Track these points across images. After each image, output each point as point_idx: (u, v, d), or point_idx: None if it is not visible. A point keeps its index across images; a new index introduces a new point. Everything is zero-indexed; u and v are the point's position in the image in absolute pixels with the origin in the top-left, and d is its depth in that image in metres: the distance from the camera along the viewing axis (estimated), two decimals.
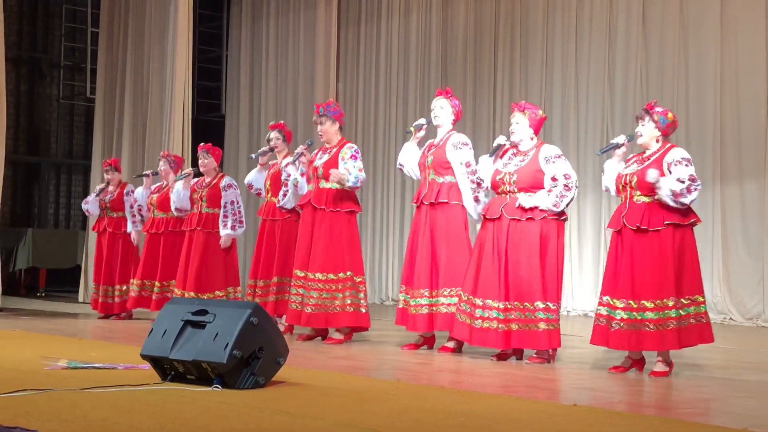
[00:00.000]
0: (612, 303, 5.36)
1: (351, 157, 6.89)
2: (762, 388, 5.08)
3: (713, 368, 5.84)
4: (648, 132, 5.44)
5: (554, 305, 5.76)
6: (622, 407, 4.25)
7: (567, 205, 5.81)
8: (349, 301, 6.83)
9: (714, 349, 6.28)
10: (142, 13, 12.55)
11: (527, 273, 5.76)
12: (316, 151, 7.16)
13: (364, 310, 6.90)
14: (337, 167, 6.86)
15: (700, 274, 5.43)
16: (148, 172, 9.10)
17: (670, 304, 5.24)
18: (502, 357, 5.98)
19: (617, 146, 5.58)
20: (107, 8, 13.11)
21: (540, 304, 5.73)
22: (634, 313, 5.26)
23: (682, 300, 5.28)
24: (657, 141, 5.46)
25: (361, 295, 6.90)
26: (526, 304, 5.75)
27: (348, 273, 6.85)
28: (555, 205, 5.76)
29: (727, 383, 5.23)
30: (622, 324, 5.28)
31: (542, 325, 5.72)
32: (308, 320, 6.87)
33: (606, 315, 5.38)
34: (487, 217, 5.97)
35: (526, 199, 5.80)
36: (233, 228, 8.00)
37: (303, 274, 6.91)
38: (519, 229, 5.81)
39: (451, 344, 6.45)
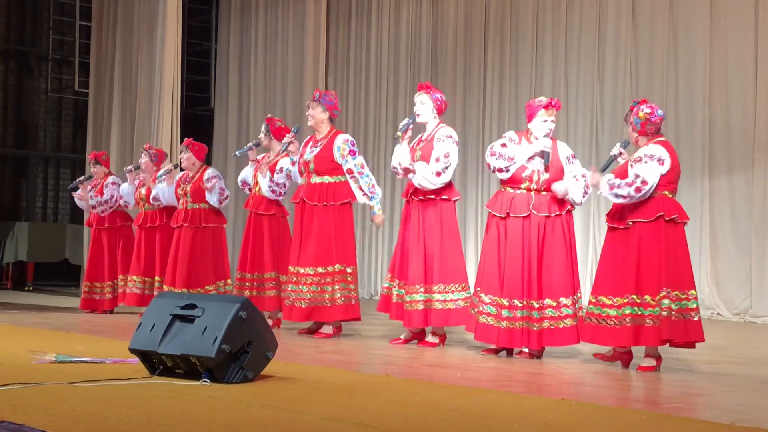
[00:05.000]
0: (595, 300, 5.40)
1: (350, 153, 6.85)
2: (749, 383, 5.10)
3: (700, 363, 5.86)
4: (630, 136, 5.50)
5: (575, 299, 5.77)
6: (610, 402, 4.27)
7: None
8: (338, 294, 6.80)
9: (701, 345, 6.28)
10: (132, 6, 12.51)
11: (561, 269, 5.77)
12: (305, 142, 7.09)
13: (354, 302, 6.87)
14: (329, 160, 6.82)
15: (685, 270, 5.42)
16: (129, 167, 9.00)
17: (625, 300, 5.27)
18: (492, 352, 5.97)
19: (616, 157, 5.55)
20: (98, 1, 13.08)
21: (567, 300, 5.74)
22: (601, 309, 5.33)
23: (648, 297, 5.27)
24: (637, 142, 5.47)
25: (352, 286, 6.87)
26: (561, 299, 5.74)
27: (338, 266, 6.82)
28: (579, 202, 5.83)
29: (714, 378, 5.25)
30: (593, 320, 5.36)
31: (569, 321, 5.73)
32: (301, 315, 6.86)
33: (592, 312, 5.42)
34: (512, 214, 5.83)
35: (559, 187, 5.76)
36: (220, 202, 8.00)
37: (295, 270, 6.90)
38: (551, 226, 5.80)
39: (433, 339, 6.45)
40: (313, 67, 12.89)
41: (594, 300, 5.41)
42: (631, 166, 5.31)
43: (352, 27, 13.02)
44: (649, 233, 5.28)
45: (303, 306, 6.81)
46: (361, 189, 6.89)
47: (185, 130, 11.58)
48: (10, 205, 14.86)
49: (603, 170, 5.59)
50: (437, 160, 6.32)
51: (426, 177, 6.31)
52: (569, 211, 5.88)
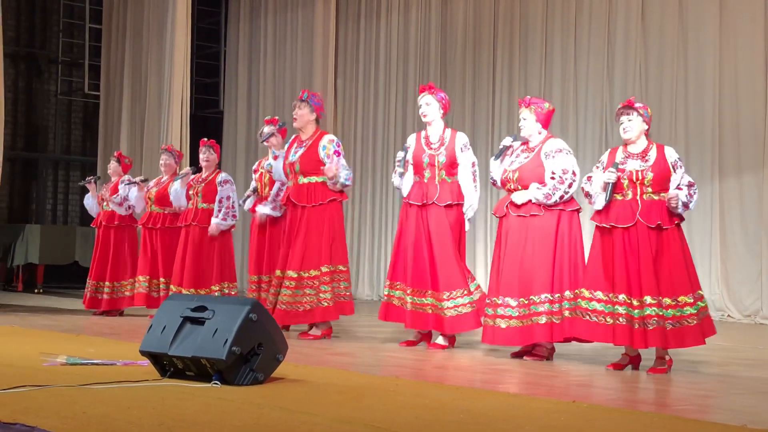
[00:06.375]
0: (630, 302, 5.28)
1: (335, 153, 6.79)
2: (760, 385, 5.09)
3: (711, 365, 5.84)
4: (637, 126, 5.42)
5: (562, 296, 5.73)
6: (621, 404, 4.26)
7: (562, 198, 5.77)
8: (329, 296, 6.73)
9: (712, 347, 6.27)
10: (141, 9, 12.56)
11: (535, 268, 5.75)
12: (290, 143, 7.03)
13: (344, 299, 6.82)
14: (315, 161, 6.75)
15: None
16: (136, 180, 8.99)
17: (690, 300, 5.27)
18: (518, 355, 5.96)
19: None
20: (108, 4, 13.14)
21: (543, 297, 5.72)
22: (671, 310, 5.24)
23: (695, 295, 5.31)
24: (646, 134, 5.45)
25: (343, 284, 6.84)
26: (532, 297, 5.74)
27: (329, 267, 6.76)
28: (546, 197, 5.76)
29: (725, 380, 5.23)
30: (656, 321, 5.21)
31: (543, 319, 5.71)
32: (306, 317, 6.80)
33: (624, 314, 5.30)
34: (496, 215, 6.04)
35: (517, 196, 5.84)
36: (224, 219, 7.98)
37: (283, 274, 6.82)
38: (525, 224, 5.81)
39: (442, 341, 6.44)
40: (322, 69, 12.90)
41: (622, 299, 5.30)
42: (675, 169, 5.33)
43: (361, 28, 13.02)
44: (675, 236, 5.32)
45: (307, 309, 6.75)
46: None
47: (194, 133, 11.61)
48: (20, 207, 14.90)
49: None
50: (472, 166, 6.46)
51: (475, 203, 6.50)
52: (562, 211, 5.81)
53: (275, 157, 7.10)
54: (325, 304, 6.75)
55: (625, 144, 5.47)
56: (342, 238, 6.92)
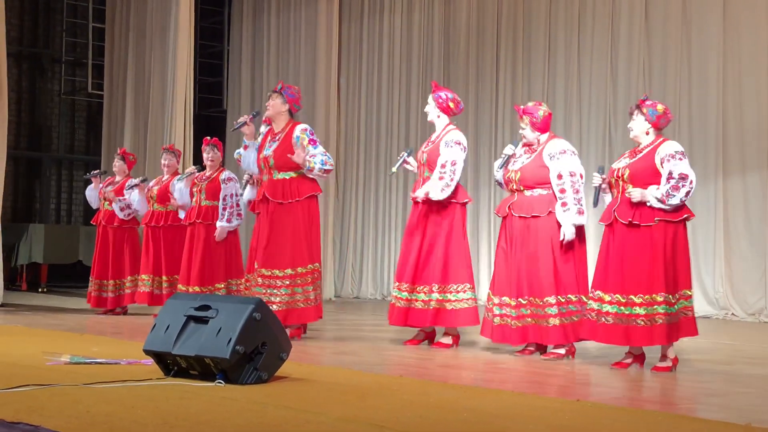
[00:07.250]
0: (601, 297, 5.34)
1: (311, 143, 6.60)
2: (764, 383, 5.08)
3: (716, 363, 5.84)
4: (638, 125, 5.43)
5: (572, 298, 5.76)
6: (625, 403, 4.25)
7: (579, 201, 5.84)
8: (312, 296, 6.63)
9: (716, 345, 6.27)
10: (144, 8, 12.57)
11: (537, 268, 5.78)
12: (263, 136, 6.85)
13: (319, 301, 6.68)
14: (288, 153, 6.54)
15: (690, 270, 5.43)
16: (136, 181, 8.96)
17: (660, 299, 5.22)
18: (527, 352, 5.98)
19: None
20: (111, 4, 13.15)
21: (551, 299, 5.74)
22: (623, 307, 5.26)
23: (671, 296, 5.24)
24: (647, 134, 5.42)
25: (318, 282, 6.68)
26: (538, 299, 5.77)
27: (312, 266, 6.63)
28: (579, 213, 5.81)
29: (729, 379, 5.23)
30: (609, 318, 5.29)
31: (553, 321, 5.73)
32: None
33: (596, 309, 5.37)
34: (499, 214, 6.09)
35: (567, 231, 5.76)
36: (228, 220, 7.97)
37: (264, 272, 6.60)
38: (528, 225, 5.85)
39: (446, 340, 6.43)
40: (326, 68, 12.89)
41: (611, 298, 5.33)
42: (663, 164, 5.25)
43: (365, 28, 13.02)
44: (673, 233, 5.28)
45: (275, 309, 6.46)
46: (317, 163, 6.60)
47: (198, 132, 11.60)
48: (23, 207, 14.91)
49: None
50: (443, 165, 6.32)
51: (436, 195, 6.35)
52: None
53: (245, 147, 6.89)
54: (311, 304, 6.61)
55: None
56: (317, 235, 6.74)
